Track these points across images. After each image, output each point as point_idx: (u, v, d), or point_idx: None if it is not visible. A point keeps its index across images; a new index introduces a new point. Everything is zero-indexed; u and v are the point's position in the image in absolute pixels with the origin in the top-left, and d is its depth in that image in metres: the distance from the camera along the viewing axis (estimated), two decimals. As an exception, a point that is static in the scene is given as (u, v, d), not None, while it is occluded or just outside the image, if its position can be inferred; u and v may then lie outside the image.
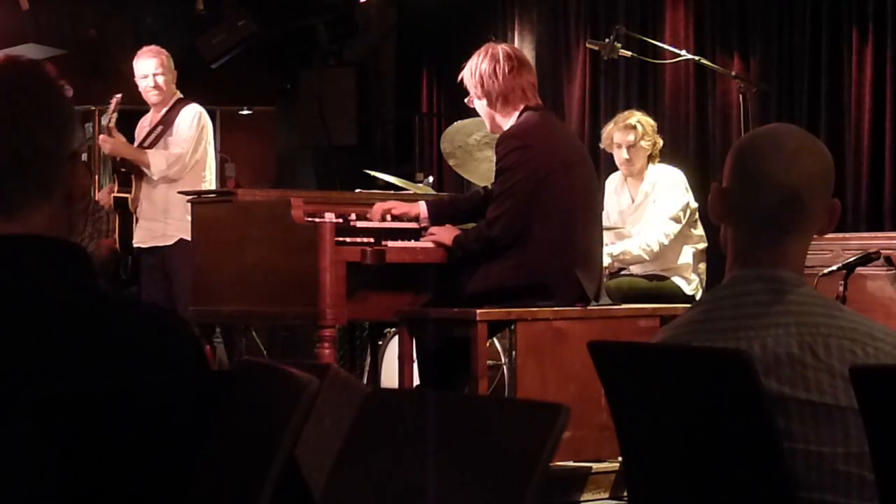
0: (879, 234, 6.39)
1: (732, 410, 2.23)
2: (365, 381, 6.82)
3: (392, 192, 6.42)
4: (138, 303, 1.98)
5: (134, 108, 11.22)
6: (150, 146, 6.96)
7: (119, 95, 7.04)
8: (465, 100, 5.36)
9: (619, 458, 4.10)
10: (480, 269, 5.19)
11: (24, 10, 9.00)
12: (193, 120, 6.94)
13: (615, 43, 6.21)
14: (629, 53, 6.44)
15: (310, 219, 5.28)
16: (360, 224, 5.41)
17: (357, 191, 6.26)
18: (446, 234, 5.33)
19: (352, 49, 11.15)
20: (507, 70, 5.16)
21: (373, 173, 6.93)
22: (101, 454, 1.79)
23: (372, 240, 5.31)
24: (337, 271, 5.13)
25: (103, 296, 1.94)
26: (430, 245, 5.37)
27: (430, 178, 7.39)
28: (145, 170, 6.89)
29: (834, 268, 5.26)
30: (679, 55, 6.50)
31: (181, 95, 7.07)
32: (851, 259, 5.29)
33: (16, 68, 1.96)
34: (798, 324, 2.28)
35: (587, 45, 7.38)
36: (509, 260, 5.10)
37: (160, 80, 6.97)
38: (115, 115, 6.97)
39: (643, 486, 2.47)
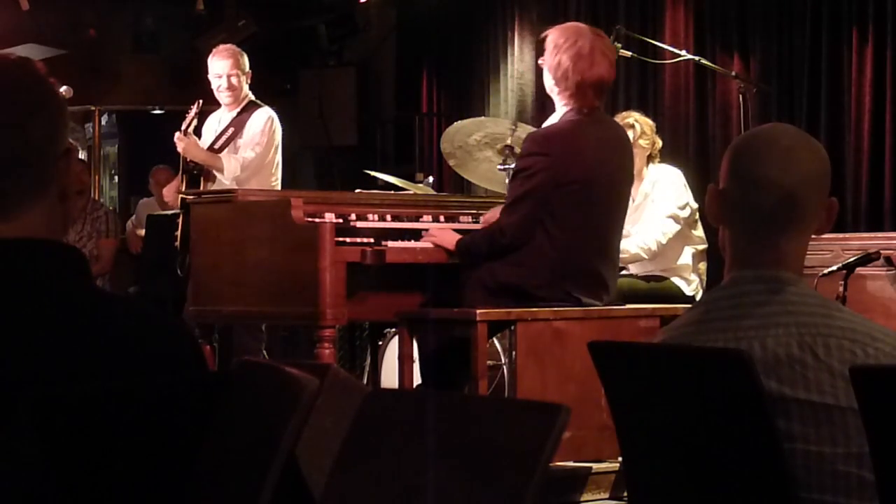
0: (879, 234, 6.39)
1: (732, 410, 2.23)
2: (365, 381, 6.82)
3: (392, 192, 6.42)
4: (135, 304, 1.97)
5: (134, 107, 11.25)
6: (221, 148, 6.89)
7: (200, 101, 6.96)
8: (539, 61, 5.34)
9: (619, 458, 4.10)
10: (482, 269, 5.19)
11: (24, 10, 9.00)
12: (266, 125, 6.86)
13: (615, 43, 6.20)
14: (629, 53, 6.44)
15: (310, 219, 5.28)
16: (360, 224, 5.41)
17: (357, 191, 6.25)
18: (448, 236, 5.32)
19: (352, 49, 11.15)
20: (586, 67, 5.11)
21: (373, 173, 6.93)
22: (101, 454, 1.79)
23: (372, 240, 5.31)
24: (337, 271, 5.13)
25: (100, 297, 1.93)
26: (430, 245, 5.37)
27: (430, 179, 7.39)
28: (217, 174, 6.82)
29: (834, 268, 5.25)
30: (679, 55, 6.50)
31: (253, 97, 7.00)
32: (851, 259, 5.28)
33: (6, 67, 1.95)
34: (798, 324, 2.28)
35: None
36: (508, 260, 5.09)
37: (234, 80, 6.87)
38: (194, 120, 6.90)
39: (643, 486, 2.47)
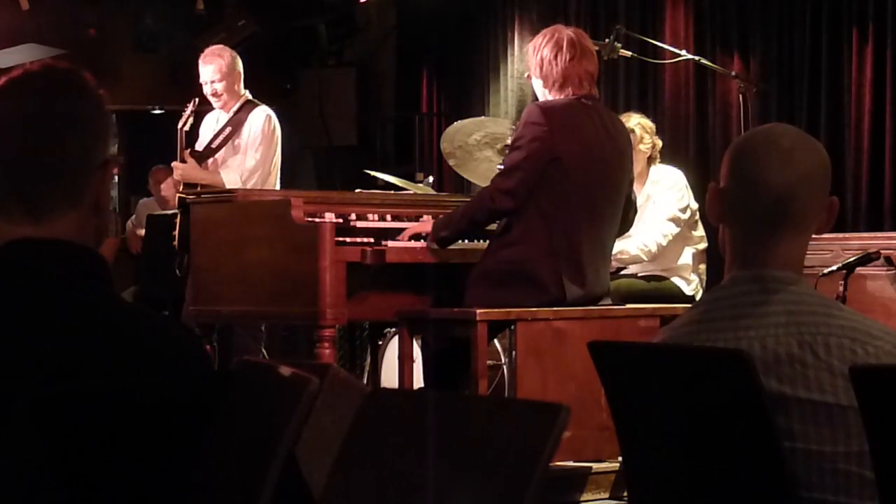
0: (879, 234, 6.38)
1: (732, 410, 2.23)
2: (365, 381, 6.82)
3: (392, 192, 6.42)
4: (148, 312, 1.99)
5: (134, 107, 11.24)
6: (219, 147, 6.88)
7: (195, 99, 6.94)
8: (525, 75, 5.39)
9: (619, 458, 4.10)
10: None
11: (24, 10, 9.01)
12: (264, 127, 6.84)
13: (615, 43, 6.20)
14: (629, 53, 6.43)
15: (310, 219, 5.28)
16: (360, 224, 5.41)
17: (357, 191, 6.25)
18: (423, 225, 5.35)
19: (352, 49, 11.15)
20: (568, 58, 5.14)
21: (373, 173, 6.93)
22: (101, 454, 1.79)
23: (372, 240, 5.31)
24: (337, 271, 5.13)
25: (117, 303, 1.95)
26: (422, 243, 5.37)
27: (431, 178, 7.39)
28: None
29: (834, 268, 5.25)
30: (679, 55, 6.50)
31: (249, 97, 6.98)
32: (851, 259, 5.28)
33: (52, 75, 1.98)
34: (798, 323, 2.28)
35: (587, 45, 7.38)
36: (505, 240, 5.08)
37: (218, 87, 6.84)
38: (191, 119, 6.89)
39: (643, 486, 2.47)
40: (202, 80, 6.91)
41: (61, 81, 1.97)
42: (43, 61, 2.03)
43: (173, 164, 6.86)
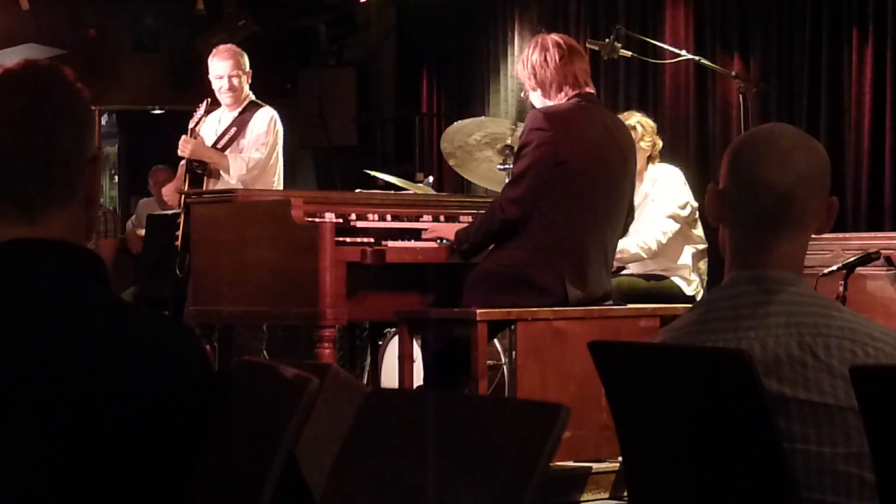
0: (879, 234, 6.38)
1: (732, 410, 2.23)
2: (365, 381, 6.82)
3: (392, 192, 6.42)
4: (146, 311, 1.99)
5: (134, 107, 11.24)
6: (224, 148, 6.90)
7: (208, 100, 6.99)
8: (521, 94, 5.42)
9: (619, 458, 4.10)
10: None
11: (24, 10, 9.01)
12: (270, 125, 6.86)
13: (615, 43, 6.20)
14: (629, 53, 6.43)
15: (310, 219, 5.28)
16: (360, 224, 5.41)
17: (357, 191, 6.25)
18: (448, 228, 5.34)
19: (352, 49, 11.16)
20: (557, 58, 5.15)
21: (373, 173, 6.93)
22: (101, 454, 1.79)
23: (372, 240, 5.31)
24: (337, 271, 5.13)
25: (115, 303, 1.95)
26: (431, 245, 5.37)
27: (430, 178, 7.39)
28: (223, 173, 6.81)
29: (834, 268, 5.25)
30: (679, 55, 6.49)
31: (253, 97, 7.00)
32: (851, 259, 5.28)
33: (36, 72, 1.97)
34: (798, 324, 2.28)
35: (587, 45, 7.37)
36: (508, 245, 5.08)
37: (235, 81, 6.87)
38: (203, 119, 6.93)
39: (643, 486, 2.47)
40: (217, 74, 6.90)
41: (45, 79, 1.96)
42: (23, 59, 2.02)
43: (182, 138, 6.85)
